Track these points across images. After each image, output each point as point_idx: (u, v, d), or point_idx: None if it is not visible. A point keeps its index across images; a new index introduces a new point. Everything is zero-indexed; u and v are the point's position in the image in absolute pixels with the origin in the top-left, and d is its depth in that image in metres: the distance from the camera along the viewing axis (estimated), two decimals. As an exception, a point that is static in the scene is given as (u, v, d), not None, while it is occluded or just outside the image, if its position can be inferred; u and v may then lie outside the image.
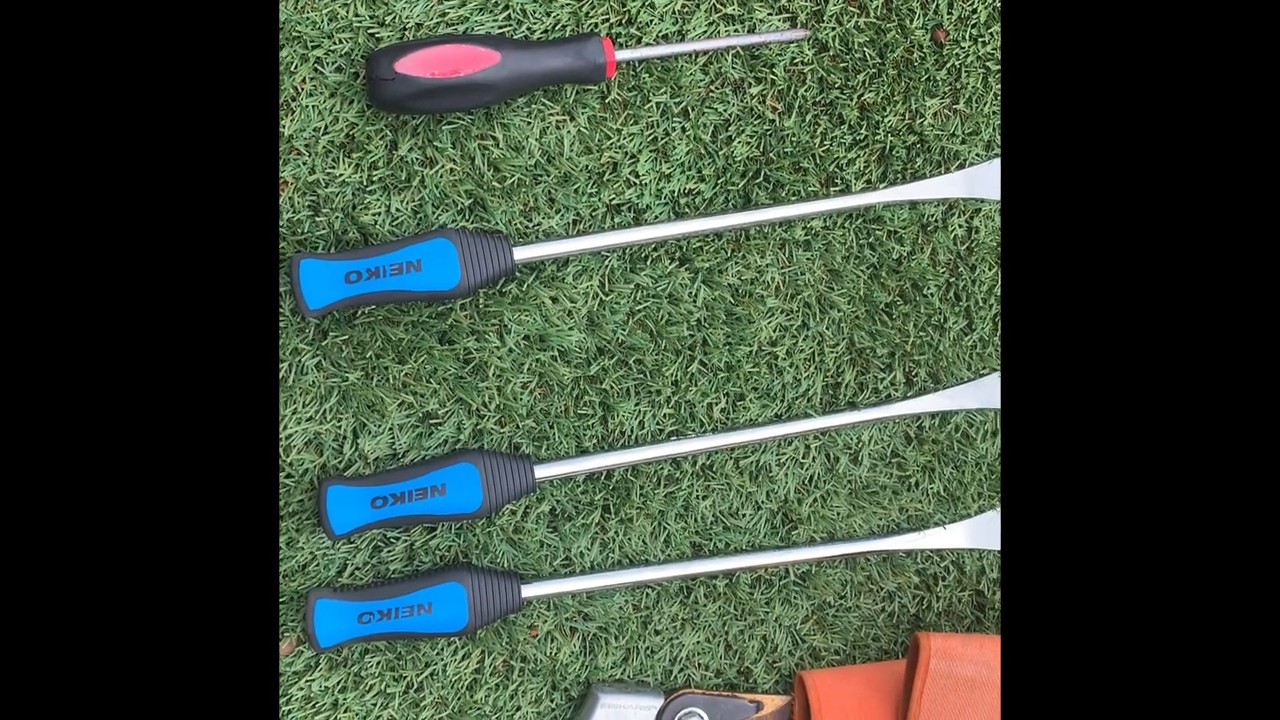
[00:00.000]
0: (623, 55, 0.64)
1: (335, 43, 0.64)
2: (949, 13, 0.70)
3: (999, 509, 0.72)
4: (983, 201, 0.71)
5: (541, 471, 0.65)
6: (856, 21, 0.68)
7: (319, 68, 0.64)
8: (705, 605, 0.69)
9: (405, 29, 0.64)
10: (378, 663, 0.67)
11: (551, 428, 0.67)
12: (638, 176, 0.66)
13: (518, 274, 0.66)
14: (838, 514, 0.71)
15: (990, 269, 0.72)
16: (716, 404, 0.69)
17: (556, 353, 0.66)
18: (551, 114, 0.66)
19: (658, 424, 0.68)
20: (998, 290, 0.72)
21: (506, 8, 0.65)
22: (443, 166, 0.65)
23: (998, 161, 0.70)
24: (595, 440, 0.67)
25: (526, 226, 0.66)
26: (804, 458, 0.70)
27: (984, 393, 0.71)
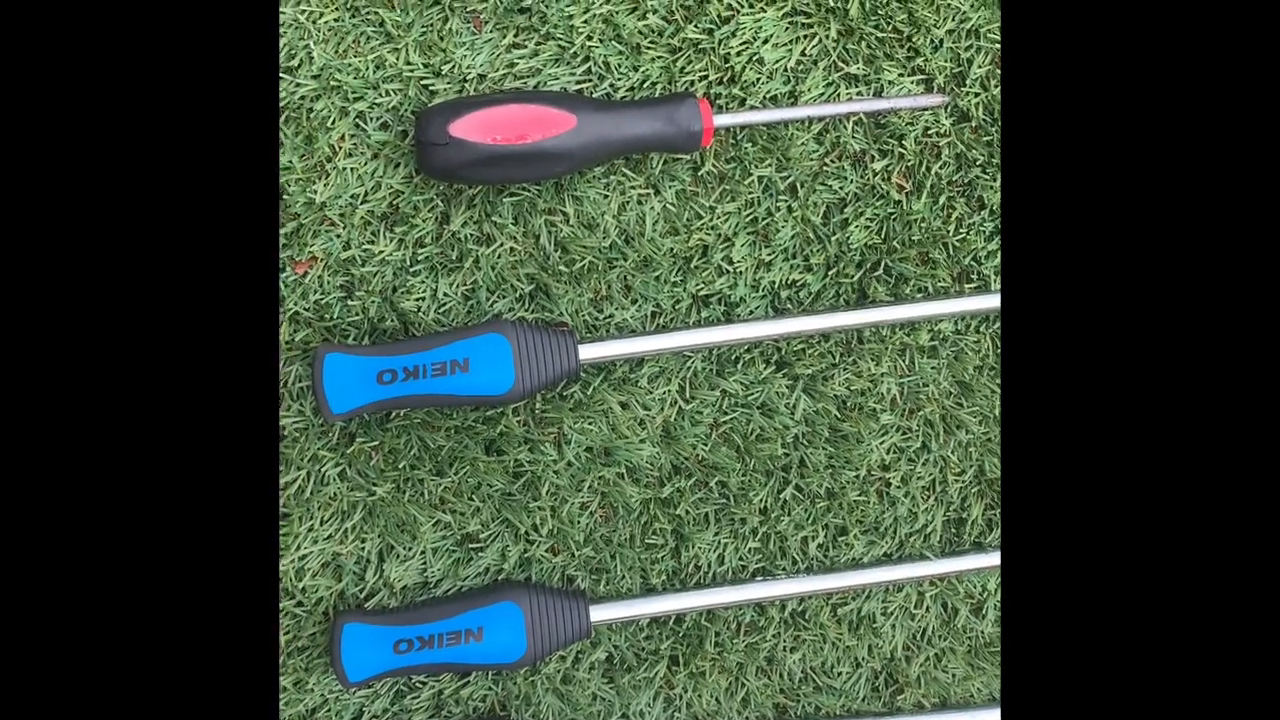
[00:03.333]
0: (722, 120, 0.56)
1: (381, 95, 0.55)
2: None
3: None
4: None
5: (599, 613, 0.58)
6: (1007, 87, 0.57)
7: (361, 124, 0.55)
8: (788, 779, 0.61)
9: (465, 81, 0.55)
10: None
11: (613, 559, 0.59)
12: (731, 263, 0.58)
13: (583, 375, 0.57)
14: (953, 677, 0.63)
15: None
16: (813, 538, 0.60)
17: (624, 469, 0.59)
18: (633, 187, 0.57)
19: (740, 560, 0.60)
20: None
21: (587, 59, 0.56)
22: (501, 245, 0.56)
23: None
24: (664, 576, 0.59)
25: (596, 319, 0.57)
26: (916, 607, 0.62)
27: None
